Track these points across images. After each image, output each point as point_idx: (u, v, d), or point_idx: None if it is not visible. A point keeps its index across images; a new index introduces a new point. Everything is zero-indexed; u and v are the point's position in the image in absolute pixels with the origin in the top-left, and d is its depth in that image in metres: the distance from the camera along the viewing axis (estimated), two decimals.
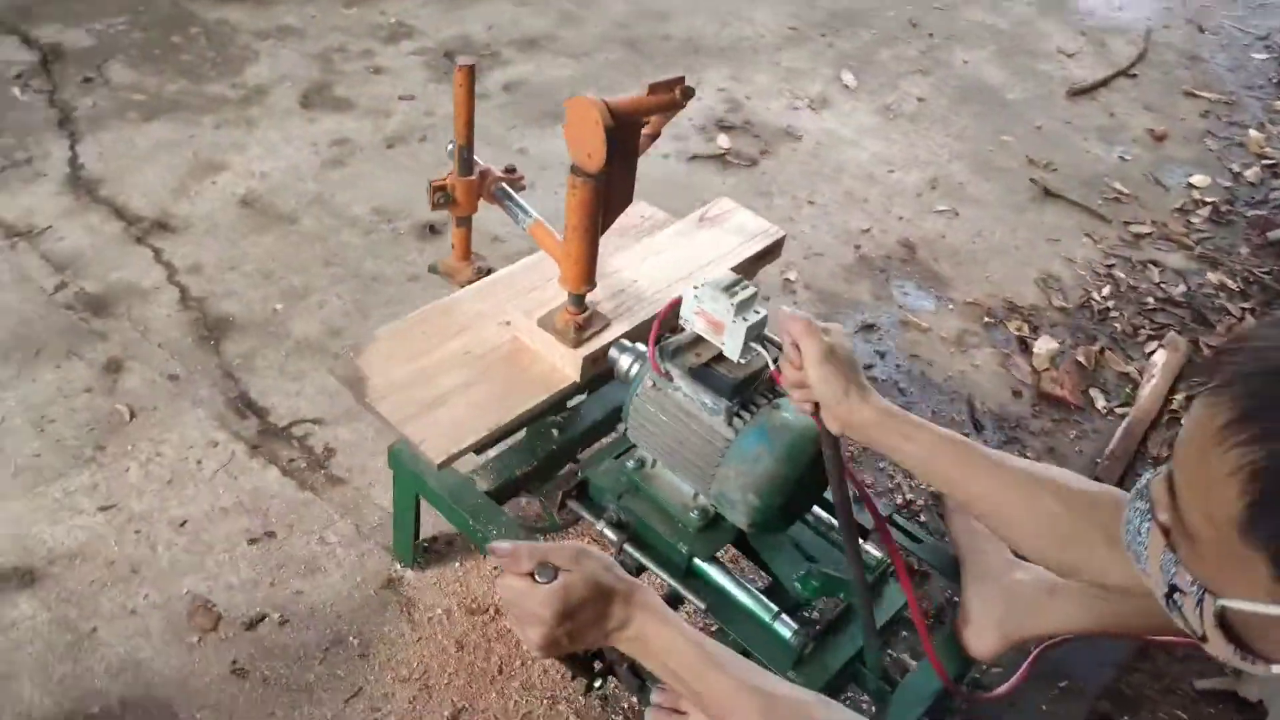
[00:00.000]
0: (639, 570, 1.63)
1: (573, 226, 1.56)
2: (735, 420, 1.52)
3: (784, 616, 1.56)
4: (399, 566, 1.99)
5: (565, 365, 1.68)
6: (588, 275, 1.62)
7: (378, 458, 2.14)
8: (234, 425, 2.21)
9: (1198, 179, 3.50)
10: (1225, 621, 0.82)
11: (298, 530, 2.03)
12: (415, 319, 1.76)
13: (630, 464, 1.68)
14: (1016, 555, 1.47)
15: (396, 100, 3.23)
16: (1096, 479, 2.41)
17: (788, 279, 2.80)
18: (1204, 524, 0.80)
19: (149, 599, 1.89)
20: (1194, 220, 3.32)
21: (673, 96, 1.51)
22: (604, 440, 1.95)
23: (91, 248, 2.57)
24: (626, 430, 1.66)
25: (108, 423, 2.18)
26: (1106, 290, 2.96)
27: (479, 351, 1.71)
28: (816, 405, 1.37)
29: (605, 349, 1.68)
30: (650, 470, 1.69)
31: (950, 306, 2.83)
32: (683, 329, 1.53)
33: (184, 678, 1.79)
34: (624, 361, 1.65)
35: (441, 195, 1.77)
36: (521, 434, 1.84)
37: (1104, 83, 3.96)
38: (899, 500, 2.19)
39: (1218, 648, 0.85)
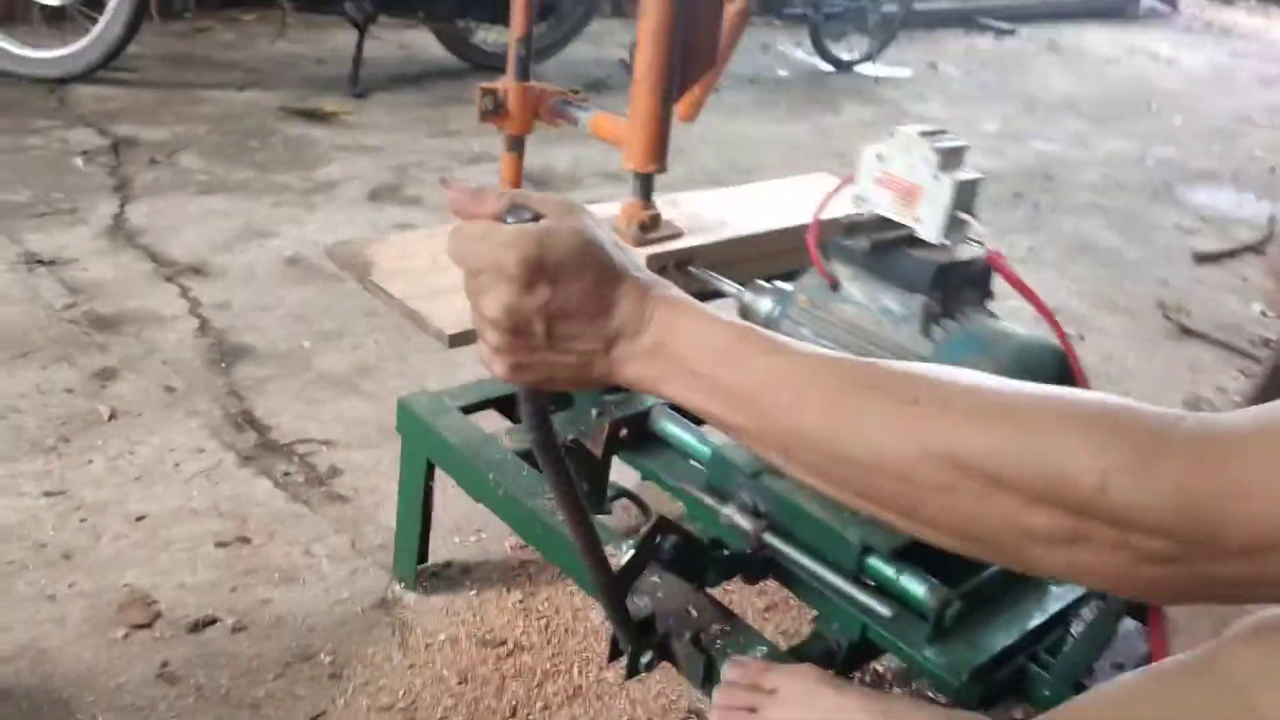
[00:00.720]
0: (786, 574, 1.16)
1: (640, 77, 1.25)
2: (934, 330, 1.11)
3: (917, 567, 1.08)
4: (398, 587, 1.55)
5: None
6: (658, 148, 1.31)
7: (392, 482, 1.73)
8: (228, 437, 1.84)
9: None
10: None
11: (279, 539, 1.61)
12: (438, 230, 1.43)
13: None
14: None
15: None
16: None
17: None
18: None
19: (75, 587, 1.47)
20: None
21: None
22: None
23: (115, 280, 2.33)
24: None
25: (82, 420, 1.83)
26: None
27: None
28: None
29: (679, 256, 1.32)
30: None
31: None
32: (858, 211, 1.16)
33: (94, 674, 1.34)
34: (763, 304, 1.25)
35: (490, 100, 1.49)
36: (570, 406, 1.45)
37: (1232, 253, 3.64)
38: None
39: None
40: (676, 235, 1.37)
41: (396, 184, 3.13)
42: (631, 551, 1.02)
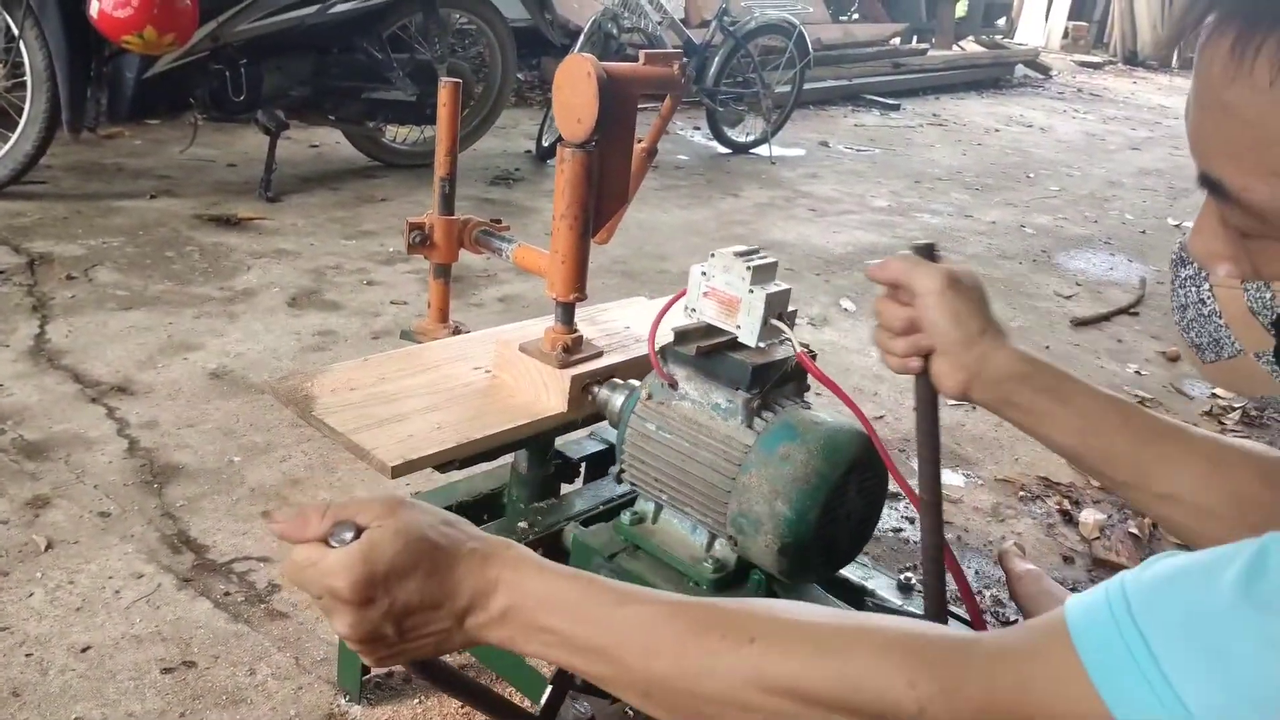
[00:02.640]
0: None
1: (560, 215, 1.39)
2: (755, 421, 1.26)
3: None
4: (344, 700, 1.61)
5: (550, 391, 1.44)
6: (578, 278, 1.43)
7: None
8: (165, 560, 1.89)
9: (1221, 390, 3.34)
10: None
11: (223, 661, 1.67)
12: (376, 359, 1.53)
13: (626, 518, 1.39)
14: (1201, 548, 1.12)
15: (388, 304, 3.14)
16: None
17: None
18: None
19: None
20: (1226, 422, 3.13)
21: (670, 70, 1.39)
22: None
23: (40, 403, 2.36)
24: (620, 472, 1.39)
25: (19, 552, 1.86)
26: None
27: (449, 385, 1.47)
28: (925, 360, 1.05)
29: (597, 376, 1.45)
30: (652, 525, 1.39)
31: (980, 482, 2.57)
32: (690, 320, 1.32)
33: None
34: (617, 399, 1.42)
35: (418, 234, 1.61)
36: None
37: (1107, 317, 3.91)
38: None
39: None
40: (597, 355, 1.49)
41: (315, 288, 3.21)
42: (549, 688, 1.13)
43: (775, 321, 1.24)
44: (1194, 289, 0.76)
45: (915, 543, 2.25)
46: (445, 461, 1.33)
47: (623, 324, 1.64)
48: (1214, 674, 0.56)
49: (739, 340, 1.27)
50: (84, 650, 1.66)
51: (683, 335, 1.28)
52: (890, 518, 2.33)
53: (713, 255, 1.26)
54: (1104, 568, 2.26)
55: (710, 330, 1.29)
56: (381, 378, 1.46)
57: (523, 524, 1.48)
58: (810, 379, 1.30)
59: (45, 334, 2.70)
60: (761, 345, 1.25)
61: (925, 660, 0.66)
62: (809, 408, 1.30)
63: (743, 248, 1.27)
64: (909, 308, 1.02)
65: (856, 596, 1.40)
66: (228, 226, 3.65)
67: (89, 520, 1.98)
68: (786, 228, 4.61)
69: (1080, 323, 3.82)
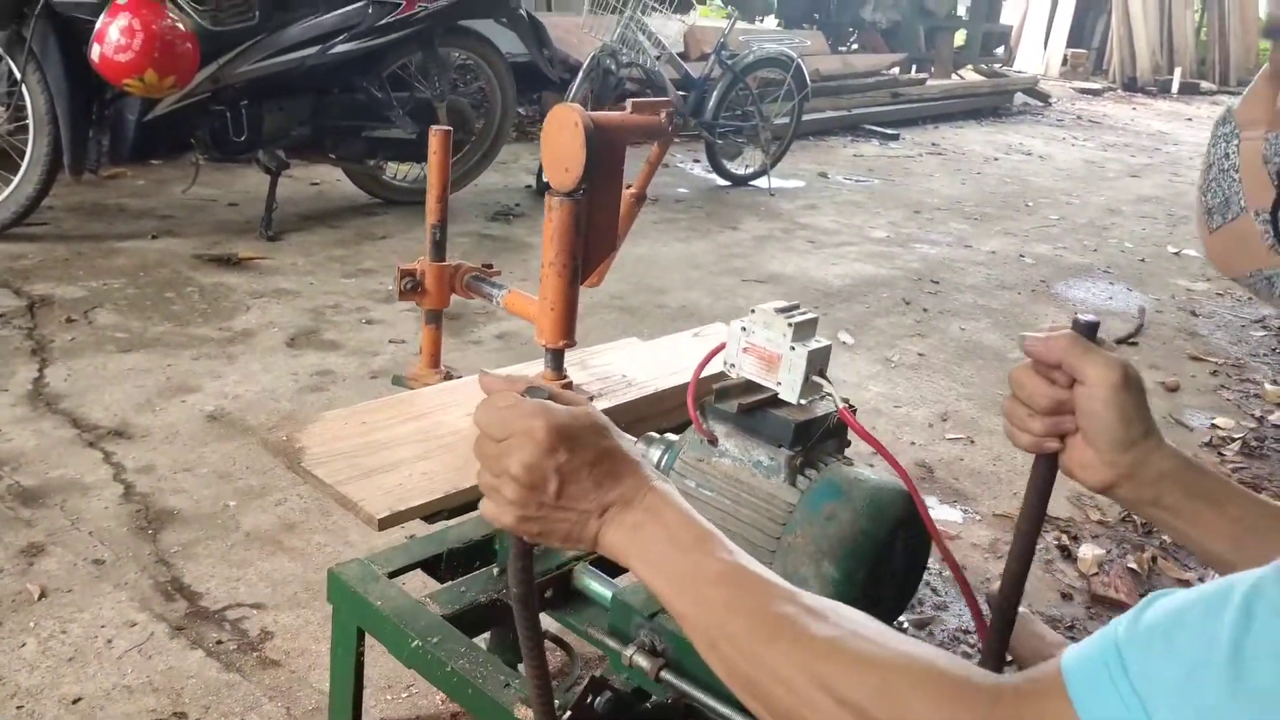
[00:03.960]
0: (686, 712, 1.27)
1: (549, 262, 1.39)
2: (799, 479, 1.25)
3: None
4: None
5: None
6: (567, 325, 1.44)
7: (322, 643, 1.81)
8: (158, 608, 1.89)
9: (1221, 420, 3.33)
10: None
11: (214, 712, 1.66)
12: (367, 406, 1.53)
13: None
14: None
15: (386, 343, 3.15)
16: None
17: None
18: None
19: None
20: (1225, 453, 3.12)
21: (657, 118, 1.40)
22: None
23: (37, 449, 2.37)
24: None
25: (11, 602, 1.86)
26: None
27: (439, 433, 1.48)
28: (1062, 441, 1.01)
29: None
30: None
31: (978, 518, 2.56)
32: (730, 376, 1.30)
33: None
34: (654, 454, 1.39)
35: (409, 281, 1.62)
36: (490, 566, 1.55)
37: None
38: None
39: None
40: (589, 400, 1.49)
41: (314, 328, 3.22)
42: (568, 713, 1.12)
43: (816, 378, 1.23)
44: (1224, 144, 0.79)
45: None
46: (434, 512, 1.33)
47: (615, 368, 1.65)
48: None
49: (779, 397, 1.25)
50: (75, 702, 1.65)
51: (724, 392, 1.28)
52: None
53: (753, 311, 1.25)
54: (1102, 604, 2.24)
55: (750, 386, 1.27)
56: (371, 426, 1.46)
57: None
58: (851, 435, 1.29)
59: (44, 378, 2.71)
60: (803, 402, 1.24)
61: (959, 701, 0.68)
62: (850, 464, 1.29)
63: (783, 303, 1.26)
64: (1058, 389, 0.97)
65: None
66: (228, 266, 3.67)
67: (83, 568, 1.98)
68: (785, 260, 4.62)
69: None
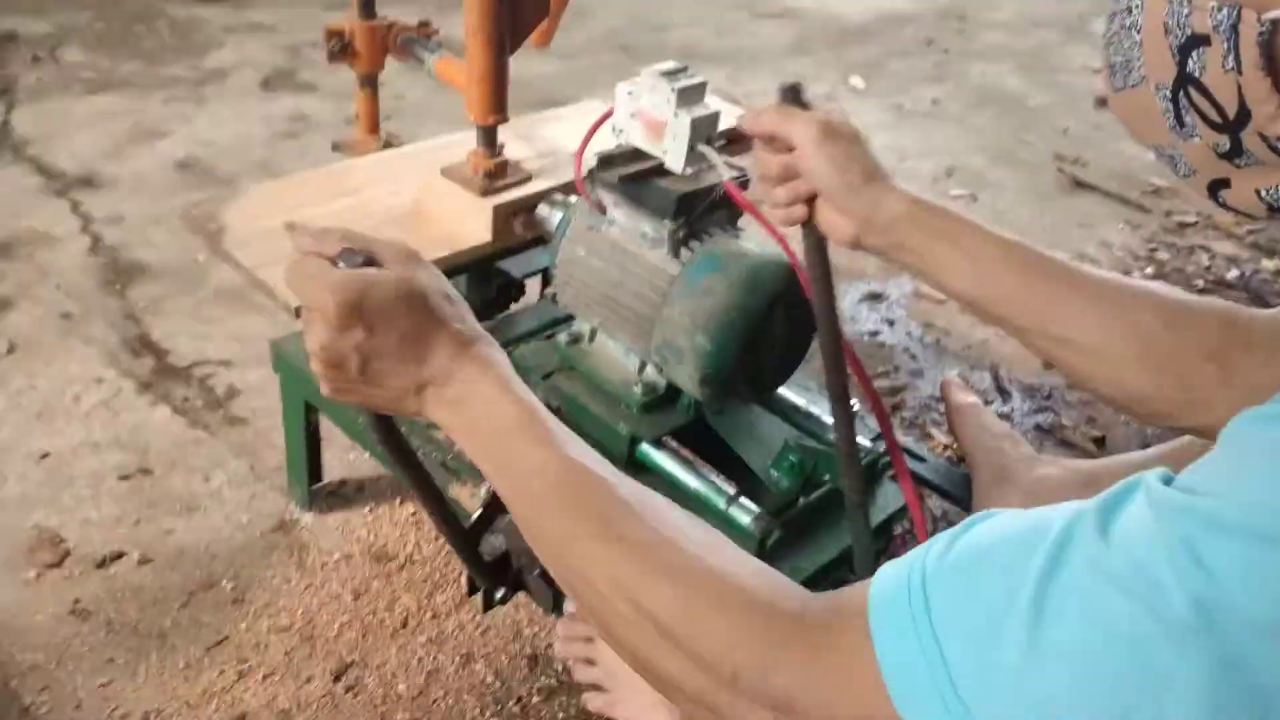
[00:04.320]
0: None
1: (472, 31, 1.27)
2: (682, 251, 1.21)
3: (744, 500, 1.19)
4: (295, 509, 1.64)
5: (472, 220, 1.37)
6: (497, 99, 1.33)
7: None
8: (126, 364, 1.90)
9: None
10: (1275, 55, 0.59)
11: (180, 468, 1.69)
12: (296, 179, 1.47)
13: (564, 338, 1.36)
14: (1100, 394, 1.08)
15: None
16: (1145, 444, 2.05)
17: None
18: None
19: None
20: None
21: None
22: None
23: (5, 197, 2.32)
24: (555, 293, 1.34)
25: None
26: (1150, 270, 2.61)
27: (369, 210, 1.41)
28: (809, 205, 1.04)
29: (525, 203, 1.37)
30: (587, 346, 1.36)
31: None
32: (618, 142, 1.23)
33: (9, 616, 1.44)
34: (555, 217, 1.35)
35: (337, 42, 1.49)
36: None
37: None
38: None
39: (1261, 105, 0.61)
40: (524, 180, 1.40)
41: (290, 68, 3.07)
42: (478, 514, 1.12)
43: (702, 147, 1.15)
44: None
45: (890, 345, 2.21)
46: None
47: (564, 141, 1.54)
48: (1005, 688, 0.54)
49: (665, 166, 1.18)
50: (43, 457, 1.69)
51: (608, 160, 1.20)
52: (869, 320, 2.28)
53: (639, 73, 1.16)
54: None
55: (638, 154, 1.20)
56: (298, 203, 1.39)
57: None
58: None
59: (10, 122, 2.62)
60: (688, 172, 1.17)
61: (754, 627, 0.64)
62: (738, 236, 1.23)
63: (671, 65, 1.16)
64: (783, 155, 1.01)
65: (793, 418, 1.37)
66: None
67: (51, 322, 1.97)
68: None
69: (1104, 101, 3.61)
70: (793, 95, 1.04)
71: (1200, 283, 2.59)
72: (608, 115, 1.21)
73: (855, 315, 2.29)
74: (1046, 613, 0.52)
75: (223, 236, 1.31)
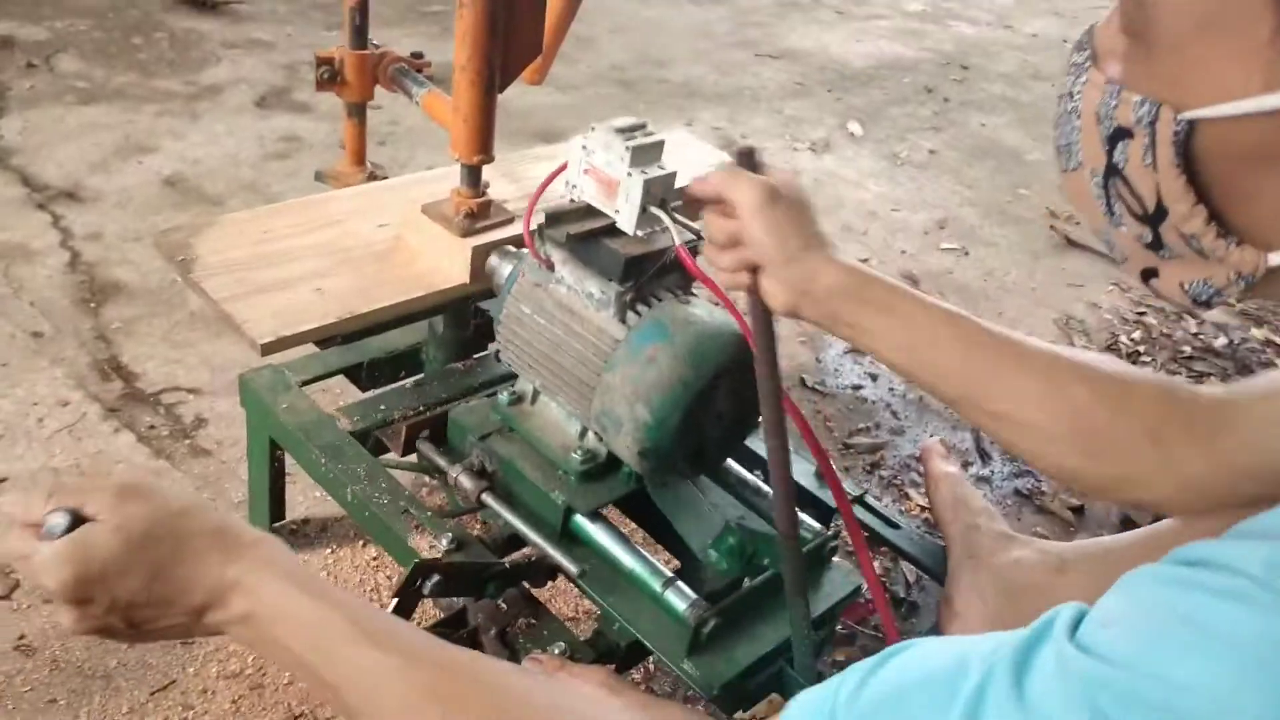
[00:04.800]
0: (509, 537, 1.25)
1: (461, 66, 1.25)
2: (629, 315, 1.17)
3: (680, 584, 1.16)
4: None
5: (451, 260, 1.34)
6: (482, 139, 1.30)
7: None
8: (93, 387, 1.86)
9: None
10: (1191, 154, 0.59)
11: None
12: (273, 209, 1.43)
13: (504, 397, 1.32)
14: (1035, 468, 1.06)
15: None
16: (1126, 518, 2.03)
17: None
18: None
19: None
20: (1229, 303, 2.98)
21: None
22: None
23: None
24: (498, 350, 1.31)
25: None
26: (1137, 335, 2.60)
27: (346, 244, 1.38)
28: (754, 274, 1.02)
29: (503, 246, 1.34)
30: (529, 406, 1.32)
31: None
32: (571, 197, 1.19)
33: None
34: (505, 269, 1.32)
35: (326, 70, 1.47)
36: (410, 380, 1.50)
37: None
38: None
39: (1177, 204, 0.61)
40: (507, 221, 1.38)
41: (286, 87, 3.05)
42: (394, 600, 1.09)
43: (655, 209, 1.12)
44: (1074, 77, 0.69)
45: (873, 401, 2.18)
46: (326, 337, 1.26)
47: (555, 185, 1.52)
48: None
49: (617, 226, 1.15)
50: (0, 481, 1.65)
51: (557, 216, 1.17)
52: (852, 374, 2.25)
53: (593, 128, 1.13)
54: None
55: (590, 211, 1.17)
56: (273, 234, 1.36)
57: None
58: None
59: None
60: (640, 234, 1.14)
61: None
62: (689, 302, 1.20)
63: (627, 121, 1.13)
64: (730, 220, 0.99)
65: (740, 493, 1.33)
66: (202, 10, 3.46)
67: (21, 340, 1.94)
68: (806, 32, 4.32)
69: None
70: (746, 159, 1.03)
71: (1188, 349, 2.58)
72: (563, 168, 1.19)
73: (838, 368, 2.27)
74: None
75: (193, 265, 1.28)
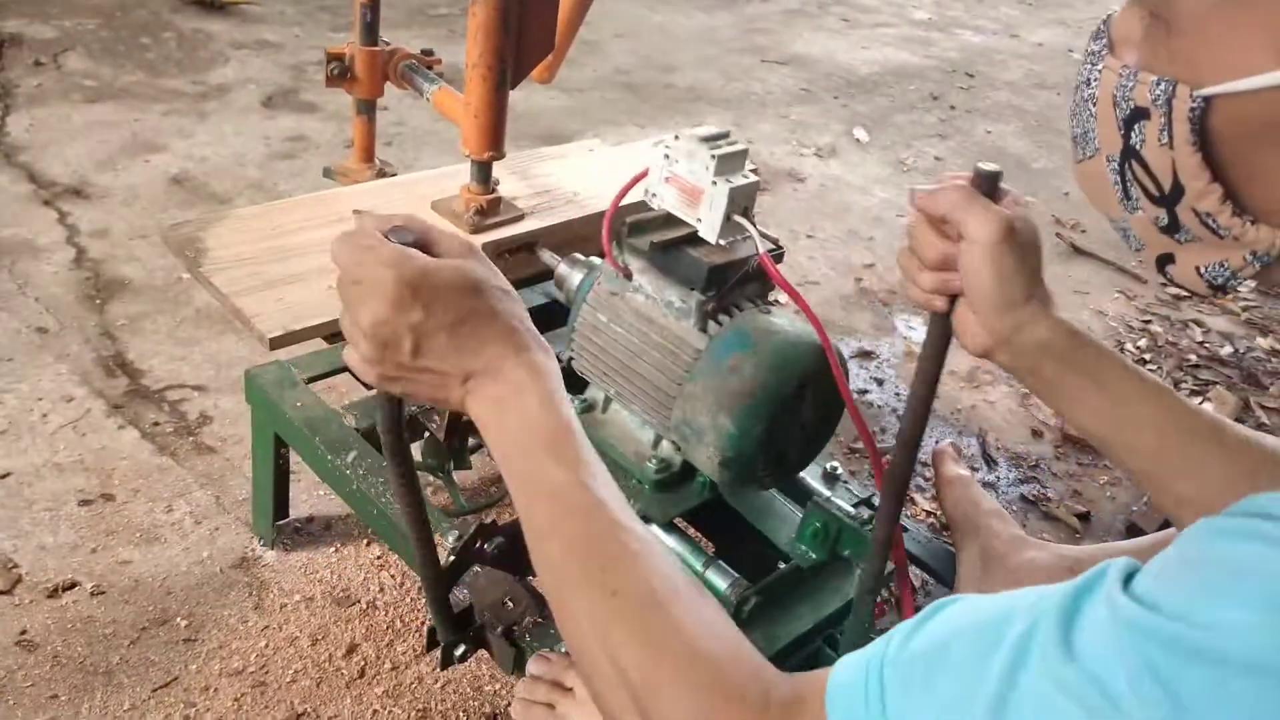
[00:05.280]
0: None
1: (472, 64, 1.24)
2: (710, 324, 1.16)
3: (721, 563, 1.16)
4: (259, 545, 1.60)
5: None
6: (493, 134, 1.30)
7: None
8: (98, 383, 1.86)
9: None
10: (1206, 132, 0.59)
11: (142, 496, 1.65)
12: (283, 204, 1.43)
13: (576, 405, 1.30)
14: None
15: None
16: (1132, 524, 2.02)
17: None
18: None
19: None
20: (1240, 289, 2.97)
21: None
22: None
23: None
24: (570, 359, 1.30)
25: None
26: (1143, 343, 2.59)
27: None
28: (951, 302, 0.93)
29: (515, 242, 1.34)
30: (601, 415, 1.31)
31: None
32: (649, 208, 1.18)
33: None
34: (575, 277, 1.29)
35: (337, 66, 1.47)
36: None
37: None
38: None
39: (1192, 180, 0.61)
40: (517, 218, 1.38)
41: (293, 87, 3.05)
42: (453, 557, 1.08)
43: (738, 218, 1.11)
44: (1090, 65, 0.69)
45: (878, 406, 2.18)
46: (334, 333, 1.25)
47: (561, 179, 1.52)
48: None
49: (699, 235, 1.14)
50: (3, 477, 1.65)
51: (639, 225, 1.16)
52: (859, 378, 2.25)
53: (677, 137, 1.12)
54: (1071, 444, 2.18)
55: (670, 220, 1.16)
56: (282, 229, 1.36)
57: None
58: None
59: (5, 127, 2.60)
60: (722, 243, 1.13)
61: (717, 710, 0.63)
62: (770, 311, 1.19)
63: (711, 130, 1.12)
64: (948, 242, 0.89)
65: (804, 497, 1.33)
66: (211, 11, 3.46)
67: (26, 336, 1.94)
68: (813, 40, 4.33)
69: None
70: (988, 184, 0.90)
71: (1193, 358, 2.57)
72: (641, 176, 1.17)
73: None
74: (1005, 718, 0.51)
75: (202, 259, 1.27)
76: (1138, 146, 0.64)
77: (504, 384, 0.74)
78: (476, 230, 1.33)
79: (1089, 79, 0.68)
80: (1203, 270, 0.66)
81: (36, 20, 3.18)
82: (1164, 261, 0.70)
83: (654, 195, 1.14)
